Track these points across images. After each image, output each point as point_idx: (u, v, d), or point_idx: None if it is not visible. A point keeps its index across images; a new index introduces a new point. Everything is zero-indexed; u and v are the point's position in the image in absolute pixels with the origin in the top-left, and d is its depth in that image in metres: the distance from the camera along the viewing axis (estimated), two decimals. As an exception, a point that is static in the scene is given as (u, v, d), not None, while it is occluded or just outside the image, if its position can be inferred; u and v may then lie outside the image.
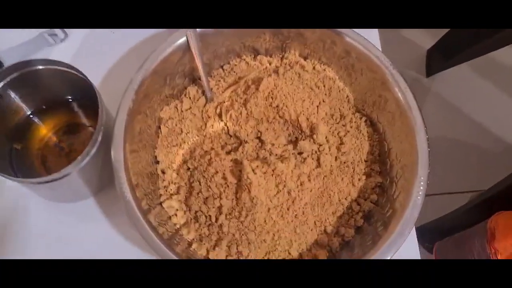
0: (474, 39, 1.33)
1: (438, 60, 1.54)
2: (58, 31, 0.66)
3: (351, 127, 0.57)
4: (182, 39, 0.52)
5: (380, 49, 0.55)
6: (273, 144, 0.56)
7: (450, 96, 1.54)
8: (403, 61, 1.58)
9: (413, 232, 0.58)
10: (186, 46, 0.53)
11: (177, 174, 0.55)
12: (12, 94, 0.54)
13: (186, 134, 0.57)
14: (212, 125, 0.58)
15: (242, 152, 0.55)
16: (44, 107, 0.58)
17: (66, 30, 0.67)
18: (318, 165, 0.53)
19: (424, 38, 1.63)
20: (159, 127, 0.57)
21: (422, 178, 0.48)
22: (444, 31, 1.51)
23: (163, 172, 0.55)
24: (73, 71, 0.50)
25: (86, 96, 0.51)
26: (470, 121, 1.50)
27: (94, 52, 0.67)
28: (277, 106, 0.55)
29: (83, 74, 0.50)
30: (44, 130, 0.59)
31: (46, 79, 0.53)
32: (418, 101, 0.51)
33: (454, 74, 1.55)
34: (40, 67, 0.51)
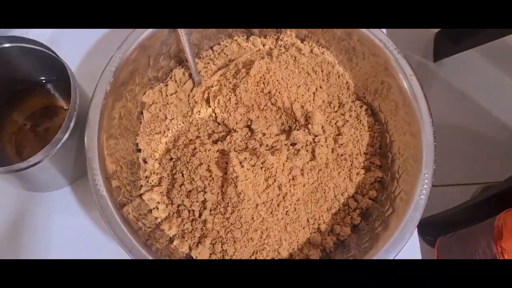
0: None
1: (446, 44, 1.48)
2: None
3: (350, 116, 0.52)
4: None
5: (385, 31, 0.50)
6: (264, 134, 0.51)
7: (458, 82, 1.48)
8: (409, 45, 1.51)
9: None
10: (171, 24, 0.49)
11: (160, 164, 0.51)
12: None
13: (171, 120, 0.53)
14: (199, 111, 0.53)
15: (230, 142, 0.51)
16: (18, 88, 0.54)
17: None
18: (313, 157, 0.49)
19: (433, 21, 1.56)
20: (141, 113, 0.53)
21: (426, 175, 0.43)
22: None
23: (145, 162, 0.51)
24: (42, 49, 0.46)
25: (62, 77, 0.47)
26: (479, 109, 1.44)
27: (75, 30, 0.62)
28: (269, 92, 0.50)
29: (53, 52, 0.45)
30: (18, 113, 0.55)
31: (15, 58, 0.48)
32: (424, 88, 0.47)
33: (463, 59, 1.48)
34: (7, 44, 0.46)
